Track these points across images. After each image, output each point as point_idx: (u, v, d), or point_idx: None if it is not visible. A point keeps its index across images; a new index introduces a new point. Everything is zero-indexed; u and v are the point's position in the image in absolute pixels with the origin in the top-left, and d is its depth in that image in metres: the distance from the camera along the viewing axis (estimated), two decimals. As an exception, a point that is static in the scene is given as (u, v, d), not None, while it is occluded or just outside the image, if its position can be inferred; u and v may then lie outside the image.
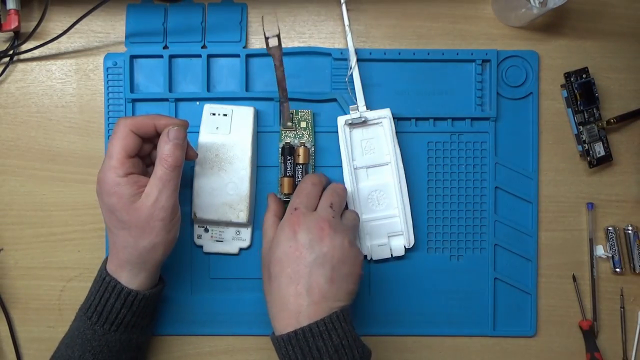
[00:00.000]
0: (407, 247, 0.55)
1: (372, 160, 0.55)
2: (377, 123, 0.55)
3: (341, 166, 0.55)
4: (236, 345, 0.56)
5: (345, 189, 0.51)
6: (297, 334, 0.44)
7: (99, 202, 0.48)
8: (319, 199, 0.50)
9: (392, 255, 0.55)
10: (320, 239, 0.46)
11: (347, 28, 0.55)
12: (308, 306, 0.44)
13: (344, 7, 0.55)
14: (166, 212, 0.46)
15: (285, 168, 0.54)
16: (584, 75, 0.56)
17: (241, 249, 0.56)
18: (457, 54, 0.56)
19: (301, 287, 0.45)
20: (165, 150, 0.46)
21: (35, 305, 0.57)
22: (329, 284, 0.45)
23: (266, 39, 0.50)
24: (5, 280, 0.57)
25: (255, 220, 0.56)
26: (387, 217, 0.55)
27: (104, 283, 0.48)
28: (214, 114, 0.54)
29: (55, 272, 0.57)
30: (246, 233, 0.55)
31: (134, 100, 0.56)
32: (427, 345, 0.57)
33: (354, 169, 0.55)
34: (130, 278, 0.48)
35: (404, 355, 0.56)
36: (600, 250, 0.57)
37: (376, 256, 0.55)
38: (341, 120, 0.55)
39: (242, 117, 0.54)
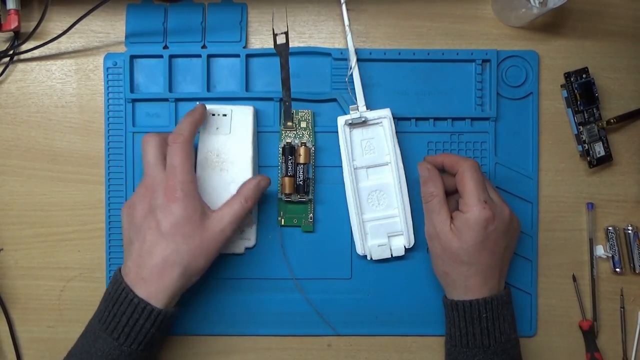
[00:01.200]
0: (407, 247, 0.55)
1: (372, 160, 0.55)
2: (377, 123, 0.55)
3: (341, 166, 0.55)
4: (236, 345, 0.56)
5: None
6: (493, 299, 0.49)
7: (157, 213, 0.47)
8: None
9: (392, 255, 0.55)
10: (508, 227, 0.50)
11: (347, 28, 0.55)
12: (499, 280, 0.51)
13: (344, 7, 0.55)
14: (224, 243, 0.49)
15: (287, 168, 0.54)
16: (584, 75, 0.56)
17: (247, 249, 0.56)
18: (457, 54, 0.56)
19: (496, 268, 0.50)
20: (248, 194, 0.49)
21: (35, 305, 0.57)
22: (510, 260, 0.53)
23: (274, 35, 0.50)
24: (5, 280, 0.57)
25: (261, 219, 0.56)
26: (387, 217, 0.55)
27: (132, 304, 0.46)
28: (213, 115, 0.54)
29: (55, 272, 0.57)
30: (251, 232, 0.55)
31: (134, 100, 0.56)
32: (427, 345, 0.57)
33: (354, 169, 0.55)
34: (168, 300, 0.47)
35: (404, 355, 0.57)
36: (600, 250, 0.57)
37: (376, 256, 0.55)
38: (341, 120, 0.55)
39: (242, 116, 0.54)
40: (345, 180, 0.55)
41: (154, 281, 0.46)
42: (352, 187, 0.54)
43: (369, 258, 0.55)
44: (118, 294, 0.47)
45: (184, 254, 0.46)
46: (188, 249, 0.47)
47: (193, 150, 0.49)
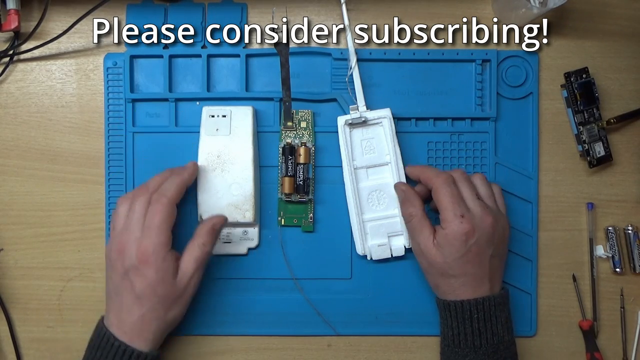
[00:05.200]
0: (407, 247, 0.55)
1: (372, 160, 0.55)
2: (377, 123, 0.55)
3: (341, 166, 0.55)
4: (236, 345, 0.56)
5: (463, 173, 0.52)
6: (485, 300, 0.49)
7: (131, 275, 0.48)
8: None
9: (392, 255, 0.55)
10: (491, 236, 0.50)
11: (347, 28, 0.55)
12: (490, 286, 0.51)
13: (344, 7, 0.55)
14: (196, 287, 0.51)
15: (287, 168, 0.54)
16: (584, 75, 0.56)
17: (249, 249, 0.56)
18: (457, 54, 0.56)
19: (485, 276, 0.50)
20: (206, 238, 0.50)
21: (35, 305, 0.57)
22: (502, 264, 0.52)
23: (274, 34, 0.50)
24: (5, 280, 0.57)
25: (261, 219, 0.56)
26: (387, 217, 0.55)
27: (114, 348, 0.48)
28: (212, 116, 0.54)
29: (55, 272, 0.57)
30: (253, 233, 0.55)
31: (134, 100, 0.56)
32: (427, 345, 0.57)
33: (354, 169, 0.55)
34: (152, 345, 0.49)
35: (404, 355, 0.57)
36: (600, 250, 0.57)
37: (376, 256, 0.55)
38: (341, 120, 0.55)
39: (242, 117, 0.54)
40: (345, 180, 0.55)
41: (135, 335, 0.49)
42: (352, 187, 0.54)
43: (369, 258, 0.55)
44: (100, 340, 0.49)
45: (160, 310, 0.49)
46: (163, 306, 0.49)
47: (175, 209, 0.49)
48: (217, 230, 0.51)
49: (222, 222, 0.51)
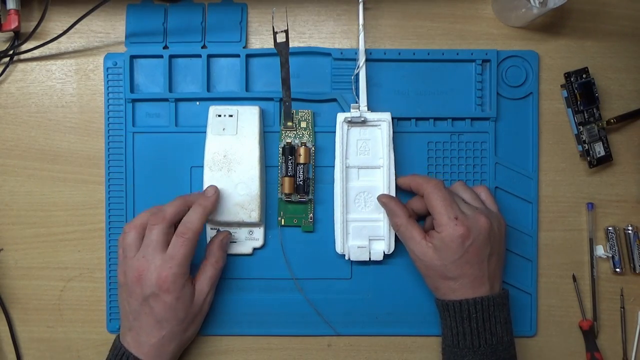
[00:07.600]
0: (386, 252, 0.54)
1: (365, 161, 0.55)
2: (375, 125, 0.54)
3: (340, 166, 0.55)
4: (236, 345, 0.56)
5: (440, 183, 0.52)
6: (483, 299, 0.49)
7: (151, 301, 0.49)
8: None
9: (370, 259, 0.54)
10: (487, 235, 0.50)
11: (360, 27, 0.54)
12: (490, 286, 0.51)
13: (360, 6, 0.54)
14: (210, 304, 0.54)
15: (287, 168, 0.54)
16: (584, 75, 0.56)
17: (255, 249, 0.56)
18: (457, 54, 0.56)
19: (484, 276, 0.50)
20: (218, 255, 0.53)
21: (35, 305, 0.57)
22: (501, 262, 0.52)
23: (274, 33, 0.50)
24: (5, 280, 0.57)
25: (267, 219, 0.56)
26: (371, 220, 0.54)
27: None
28: (219, 115, 0.54)
29: (55, 272, 0.57)
30: (259, 233, 0.55)
31: (134, 101, 0.56)
32: (427, 345, 0.57)
33: (346, 167, 0.54)
34: None
35: (404, 355, 0.57)
36: (600, 250, 0.57)
37: (354, 257, 0.54)
38: (340, 117, 0.54)
39: (248, 116, 0.54)
40: (335, 177, 0.54)
41: (153, 355, 0.50)
42: (340, 185, 0.54)
43: (346, 258, 0.55)
44: (119, 358, 0.50)
45: (178, 332, 0.51)
46: (181, 327, 0.51)
47: (197, 241, 0.50)
48: (225, 244, 0.54)
49: (228, 236, 0.54)
